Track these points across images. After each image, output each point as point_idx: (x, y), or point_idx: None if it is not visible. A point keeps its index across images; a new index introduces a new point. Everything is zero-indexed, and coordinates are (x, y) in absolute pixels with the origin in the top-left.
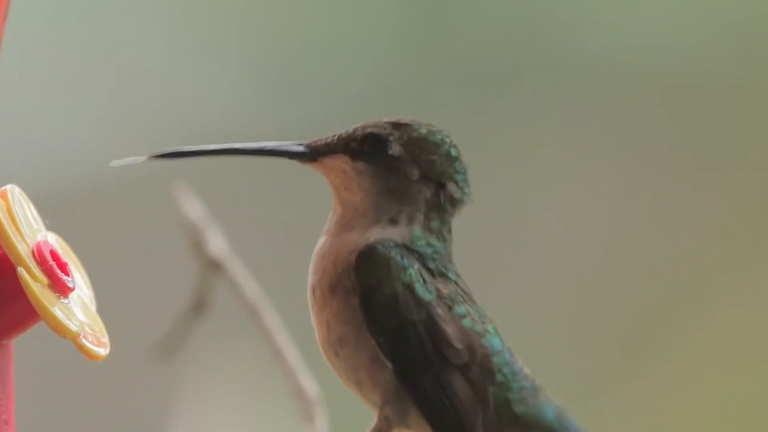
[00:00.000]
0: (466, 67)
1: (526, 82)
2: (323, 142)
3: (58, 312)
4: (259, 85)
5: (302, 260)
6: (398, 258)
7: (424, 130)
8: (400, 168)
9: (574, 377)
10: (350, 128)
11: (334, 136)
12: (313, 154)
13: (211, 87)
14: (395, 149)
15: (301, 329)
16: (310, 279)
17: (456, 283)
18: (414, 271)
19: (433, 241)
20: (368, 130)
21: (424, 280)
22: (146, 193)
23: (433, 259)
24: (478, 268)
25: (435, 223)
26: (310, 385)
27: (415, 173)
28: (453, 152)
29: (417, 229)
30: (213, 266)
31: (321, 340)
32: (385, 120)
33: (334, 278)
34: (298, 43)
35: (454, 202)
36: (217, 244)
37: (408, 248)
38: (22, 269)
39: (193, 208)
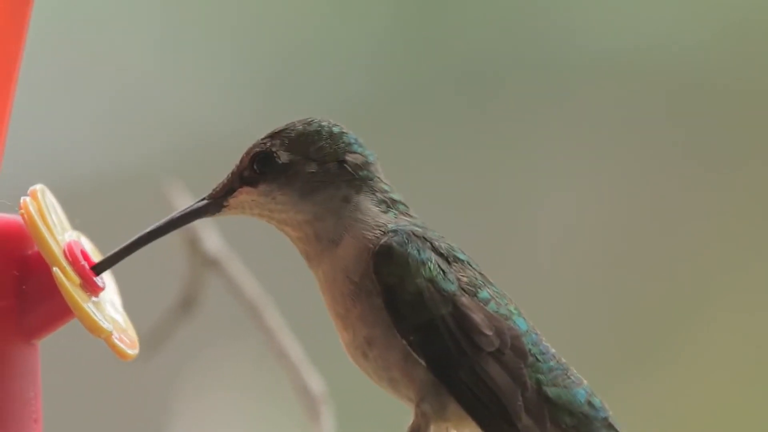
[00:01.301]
0: (464, 67)
1: (526, 81)
2: (220, 186)
3: (92, 311)
4: (258, 85)
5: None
6: (415, 253)
7: (300, 127)
8: (297, 171)
9: None
10: (238, 161)
11: (227, 175)
12: (217, 203)
13: (209, 87)
14: (283, 157)
15: (304, 326)
16: (329, 309)
17: (470, 264)
18: (433, 264)
19: (403, 213)
20: (252, 152)
21: (443, 272)
22: (140, 190)
23: (439, 237)
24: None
25: (378, 195)
26: (315, 382)
27: (313, 166)
28: (335, 130)
29: (373, 206)
30: (208, 264)
31: (346, 343)
32: (263, 136)
33: (353, 289)
34: (296, 43)
35: (365, 166)
36: (213, 242)
37: (416, 235)
38: (57, 269)
39: (186, 205)
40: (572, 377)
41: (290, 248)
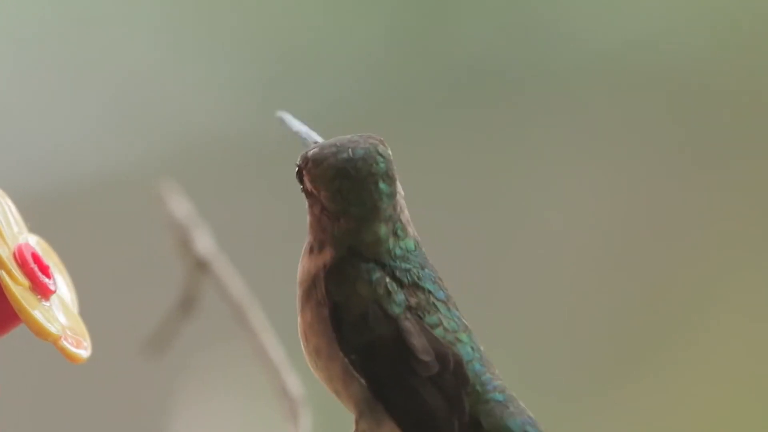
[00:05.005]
0: (463, 68)
1: (524, 82)
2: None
3: (38, 315)
4: (256, 87)
5: (290, 259)
6: (365, 275)
7: (321, 167)
8: (311, 204)
9: (571, 380)
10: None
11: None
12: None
13: (207, 89)
14: (307, 185)
15: (288, 329)
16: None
17: (430, 291)
18: (381, 287)
19: (395, 248)
20: (297, 162)
21: (390, 293)
22: (133, 192)
23: (406, 270)
24: (476, 270)
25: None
26: (294, 384)
27: (317, 209)
28: (345, 185)
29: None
30: (200, 265)
31: (304, 350)
32: (311, 147)
33: (305, 292)
34: (295, 45)
35: (354, 233)
36: (204, 242)
37: (377, 261)
38: (3, 272)
39: (180, 207)
40: (512, 407)
41: (278, 249)
